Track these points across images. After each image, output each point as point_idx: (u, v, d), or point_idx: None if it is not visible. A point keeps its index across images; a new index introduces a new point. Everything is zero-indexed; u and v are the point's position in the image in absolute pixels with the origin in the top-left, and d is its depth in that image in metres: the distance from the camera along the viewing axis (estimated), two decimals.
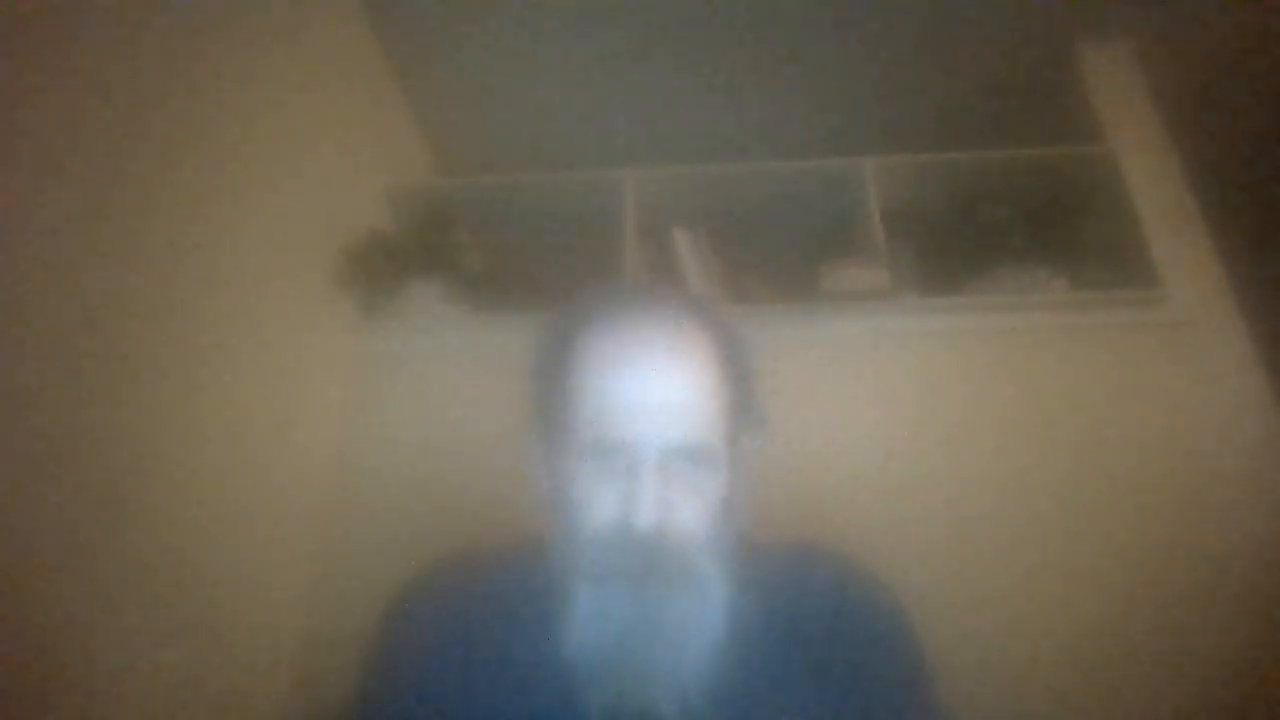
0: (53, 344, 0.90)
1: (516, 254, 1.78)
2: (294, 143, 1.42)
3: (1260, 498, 1.30)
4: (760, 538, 0.68)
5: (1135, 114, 1.73)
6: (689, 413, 0.61)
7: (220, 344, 1.19)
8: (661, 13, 1.75)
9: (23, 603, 0.85)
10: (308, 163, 1.46)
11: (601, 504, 0.60)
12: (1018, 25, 1.77)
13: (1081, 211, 1.63)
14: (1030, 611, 1.25)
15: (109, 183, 0.99)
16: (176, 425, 1.09)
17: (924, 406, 1.43)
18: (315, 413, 1.44)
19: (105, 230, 0.98)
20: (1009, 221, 1.60)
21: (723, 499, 0.63)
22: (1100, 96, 1.75)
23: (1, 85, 0.86)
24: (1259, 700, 1.15)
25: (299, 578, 1.35)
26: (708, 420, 0.62)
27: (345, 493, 1.44)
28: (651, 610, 0.58)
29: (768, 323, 1.47)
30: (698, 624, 0.59)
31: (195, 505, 1.11)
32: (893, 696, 0.64)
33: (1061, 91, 1.84)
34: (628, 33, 1.80)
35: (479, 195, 1.78)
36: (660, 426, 0.59)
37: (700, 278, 1.67)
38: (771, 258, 1.76)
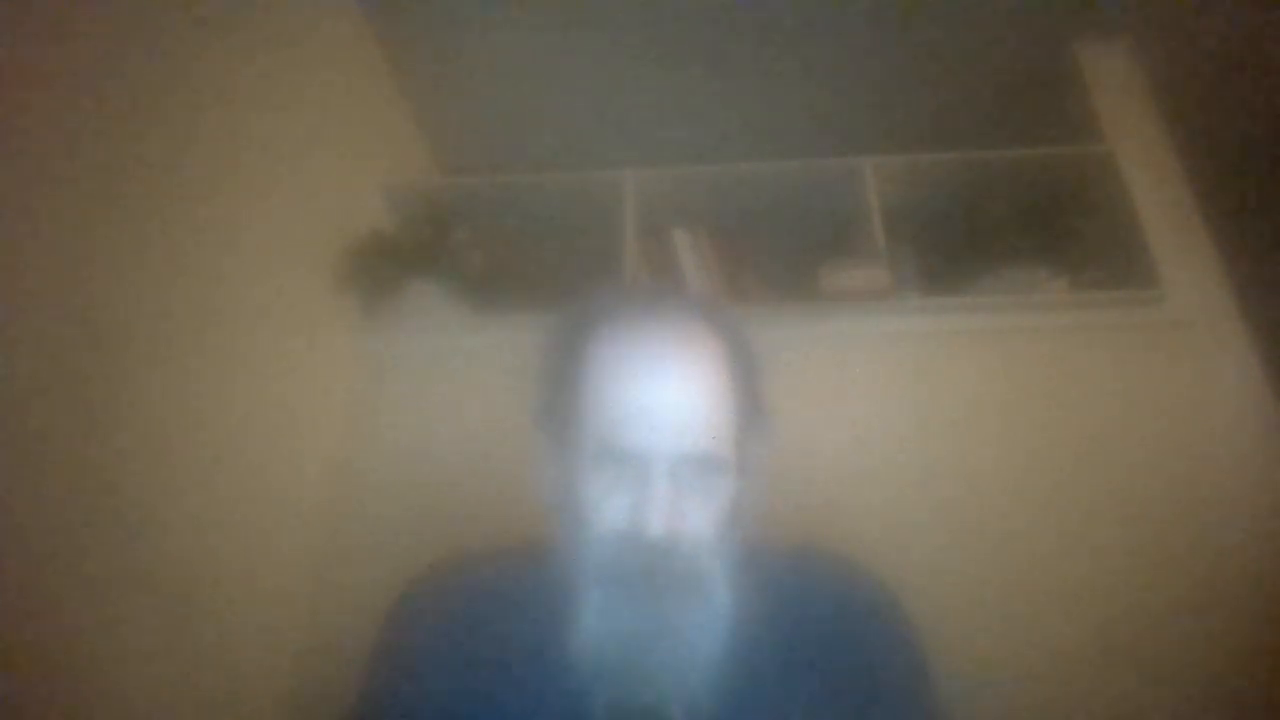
0: (52, 344, 0.90)
1: (516, 254, 1.78)
2: (294, 143, 1.42)
3: (1260, 498, 1.30)
4: (762, 539, 0.68)
5: (1135, 114, 1.73)
6: (699, 421, 0.61)
7: (220, 344, 1.18)
8: (662, 13, 1.75)
9: (23, 603, 0.85)
10: (308, 163, 1.46)
11: (611, 510, 0.60)
12: (1017, 25, 1.77)
13: (1081, 211, 1.63)
14: (1030, 612, 1.25)
15: (109, 183, 0.99)
16: (176, 425, 1.09)
17: (924, 406, 1.43)
18: (315, 413, 1.44)
19: (105, 231, 0.98)
20: (1009, 221, 1.60)
21: (731, 503, 0.63)
22: (1100, 96, 1.75)
23: (1, 85, 0.86)
24: (1259, 700, 1.15)
25: (299, 579, 1.35)
26: (717, 428, 0.61)
27: (345, 493, 1.44)
28: (659, 615, 0.58)
29: (768, 323, 1.45)
30: (704, 627, 0.59)
31: (195, 505, 1.11)
32: (894, 698, 0.64)
33: (1061, 91, 1.84)
34: (628, 33, 1.80)
35: (479, 195, 1.78)
36: (671, 436, 0.59)
37: (700, 278, 1.67)
38: (771, 258, 1.76)
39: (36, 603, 0.87)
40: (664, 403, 0.60)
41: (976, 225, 1.63)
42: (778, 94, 1.95)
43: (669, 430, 0.59)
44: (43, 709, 0.86)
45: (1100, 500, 1.32)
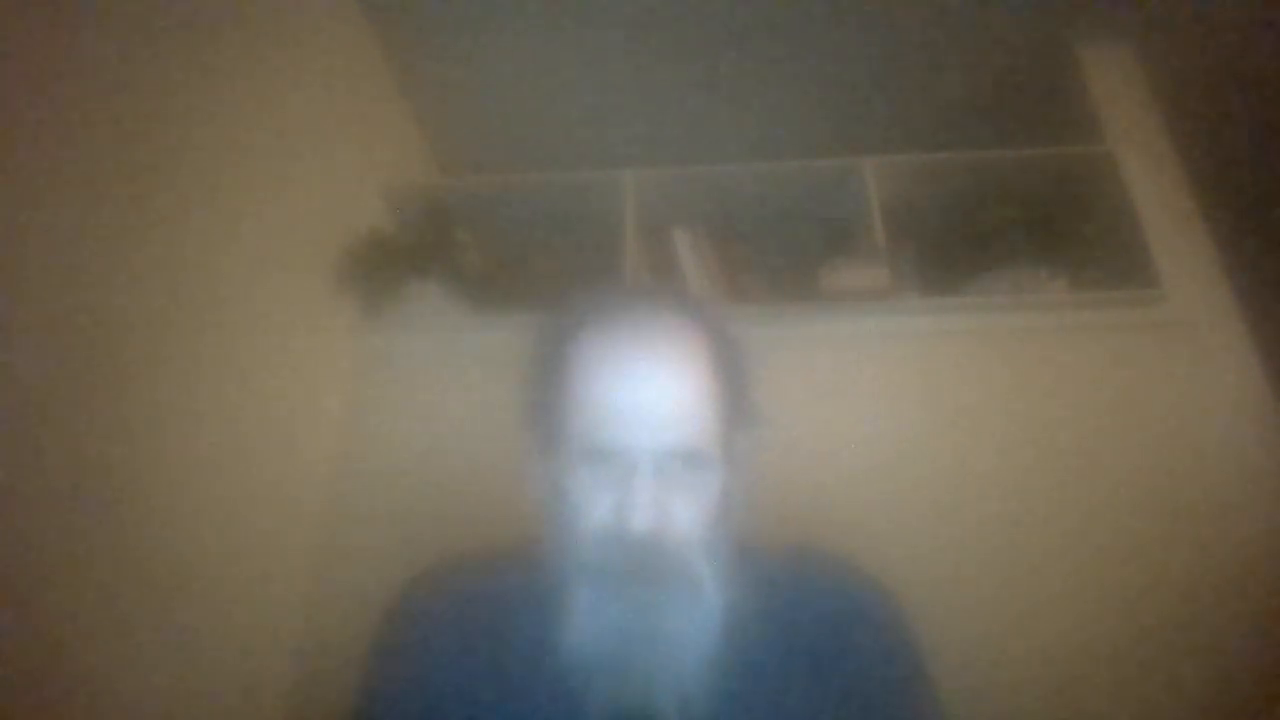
0: (52, 345, 0.90)
1: (516, 254, 1.78)
2: (294, 143, 1.42)
3: (1260, 498, 1.30)
4: (759, 540, 0.68)
5: (1135, 114, 1.73)
6: (683, 417, 0.61)
7: (220, 344, 1.19)
8: (662, 13, 1.75)
9: (23, 603, 0.85)
10: (308, 163, 1.46)
11: (597, 508, 0.60)
12: (1018, 25, 1.77)
13: (1081, 211, 1.63)
14: (1029, 612, 1.25)
15: (109, 183, 0.99)
16: (176, 425, 1.09)
17: (924, 406, 1.43)
18: (315, 412, 1.44)
19: (105, 231, 0.98)
20: (1009, 221, 1.60)
21: (719, 500, 0.63)
22: (1100, 97, 1.75)
23: (2, 85, 0.86)
24: (1259, 700, 1.15)
25: (299, 578, 1.35)
26: (702, 424, 0.62)
27: (344, 493, 1.44)
28: (648, 612, 0.58)
29: (768, 323, 1.47)
30: (694, 625, 0.59)
31: (195, 505, 1.12)
32: (891, 698, 0.64)
33: (1061, 91, 1.84)
34: (628, 33, 1.80)
35: (479, 195, 1.78)
36: (654, 431, 0.60)
37: (700, 278, 1.67)
38: (771, 258, 1.76)
39: (35, 602, 0.87)
40: (646, 399, 0.60)
41: (976, 225, 1.63)
42: (778, 94, 1.95)
43: (652, 426, 0.60)
44: (42, 709, 0.86)
45: (1100, 500, 1.32)
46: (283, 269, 1.37)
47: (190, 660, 1.08)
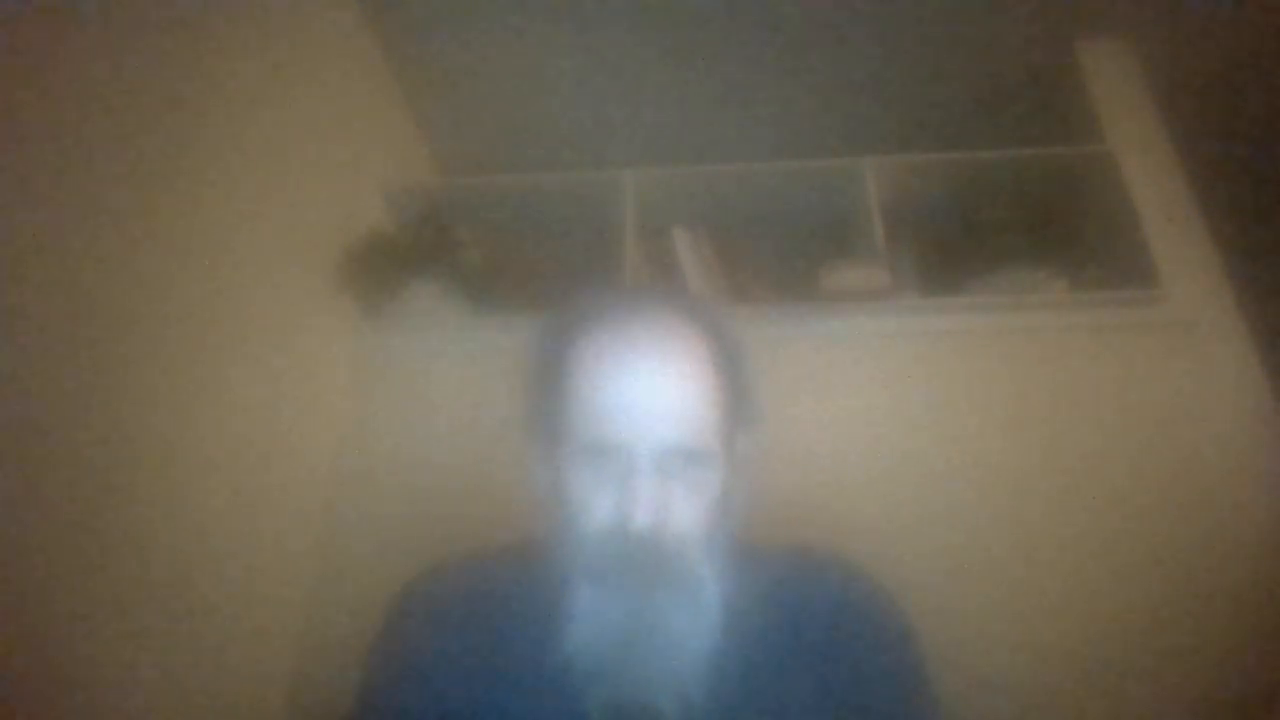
0: (51, 345, 0.90)
1: (516, 254, 1.78)
2: (294, 143, 1.42)
3: (1260, 498, 1.30)
4: (759, 539, 0.68)
5: (1135, 113, 1.73)
6: (683, 414, 0.61)
7: (220, 344, 1.19)
8: (662, 13, 1.75)
9: (23, 603, 0.85)
10: (308, 163, 1.46)
11: (598, 505, 0.60)
12: (1018, 25, 1.77)
13: (1081, 211, 1.63)
14: (1029, 611, 1.25)
15: (108, 183, 0.99)
16: (176, 425, 1.09)
17: (923, 407, 1.43)
18: (315, 412, 1.44)
19: (104, 231, 0.98)
20: (1009, 221, 1.60)
21: (719, 498, 0.63)
22: (1100, 96, 1.75)
23: (1, 86, 0.86)
24: (1260, 700, 1.15)
25: (298, 578, 1.35)
26: (702, 421, 0.62)
27: (345, 493, 1.44)
28: (648, 610, 0.58)
29: (768, 323, 1.48)
30: (694, 623, 0.59)
31: (194, 505, 1.12)
32: (890, 697, 0.64)
33: (1061, 91, 1.84)
34: (628, 33, 1.80)
35: (479, 195, 1.78)
36: (654, 429, 0.60)
37: (700, 278, 1.67)
38: (771, 258, 1.76)
39: (36, 603, 0.87)
40: (647, 396, 0.60)
41: (976, 225, 1.63)
42: (778, 94, 1.95)
43: (652, 423, 0.60)
44: (42, 709, 0.87)
45: (1100, 500, 1.32)
46: (283, 269, 1.37)
47: (190, 660, 1.08)
